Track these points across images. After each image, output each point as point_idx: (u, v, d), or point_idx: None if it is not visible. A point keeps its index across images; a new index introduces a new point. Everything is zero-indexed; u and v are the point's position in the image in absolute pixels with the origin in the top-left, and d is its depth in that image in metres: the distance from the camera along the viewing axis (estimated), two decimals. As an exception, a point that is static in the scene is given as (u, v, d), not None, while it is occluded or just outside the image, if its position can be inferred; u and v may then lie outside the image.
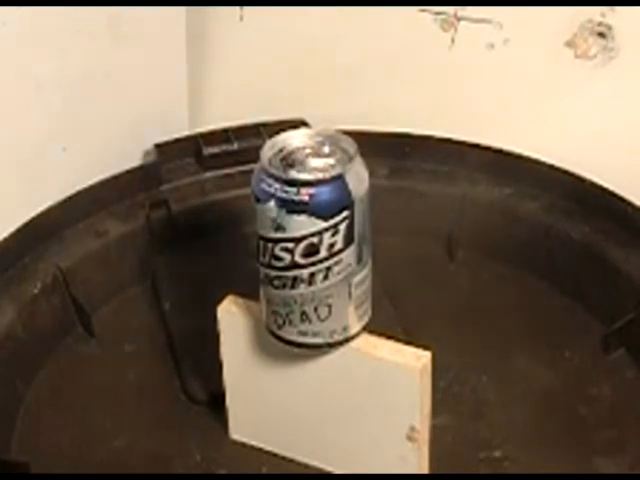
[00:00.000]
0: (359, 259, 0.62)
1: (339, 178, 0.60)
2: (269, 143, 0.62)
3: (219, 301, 0.68)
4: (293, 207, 0.60)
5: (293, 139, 0.62)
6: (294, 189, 0.59)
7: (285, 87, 0.94)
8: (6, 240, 0.81)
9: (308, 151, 0.62)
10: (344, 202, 0.60)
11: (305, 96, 0.93)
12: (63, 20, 0.83)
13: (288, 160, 0.61)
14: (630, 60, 0.89)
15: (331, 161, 0.61)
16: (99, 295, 0.83)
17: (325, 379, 0.67)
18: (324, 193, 0.59)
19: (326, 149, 0.62)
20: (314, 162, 0.61)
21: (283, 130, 0.63)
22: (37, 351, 0.78)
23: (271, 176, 0.60)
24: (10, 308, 0.78)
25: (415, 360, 0.64)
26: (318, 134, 0.63)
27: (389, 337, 0.65)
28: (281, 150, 0.62)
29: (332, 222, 0.60)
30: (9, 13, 0.79)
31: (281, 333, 0.64)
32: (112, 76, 0.88)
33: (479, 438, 0.72)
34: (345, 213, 0.60)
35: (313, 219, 0.60)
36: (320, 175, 0.60)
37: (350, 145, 0.62)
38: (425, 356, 0.64)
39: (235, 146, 0.89)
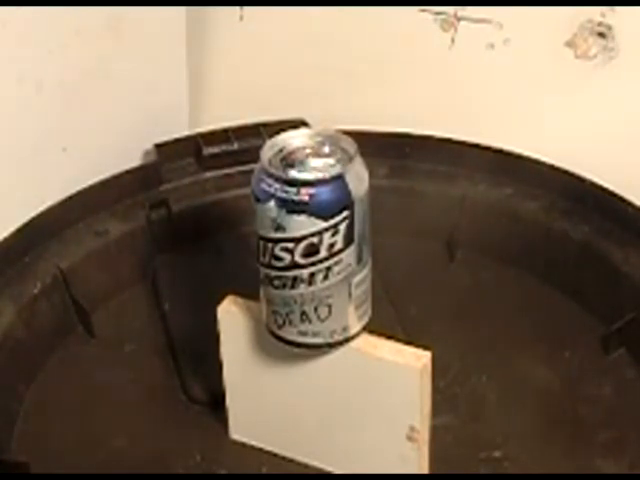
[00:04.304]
0: (359, 259, 0.62)
1: (339, 178, 0.60)
2: (269, 143, 0.62)
3: (219, 301, 0.68)
4: (293, 207, 0.60)
5: (293, 139, 0.62)
6: (294, 189, 0.59)
7: (285, 87, 0.94)
8: (6, 240, 0.81)
9: (308, 151, 0.62)
10: (344, 202, 0.60)
11: (305, 96, 0.93)
12: (63, 20, 0.83)
13: (288, 160, 0.61)
14: (630, 60, 0.89)
15: (331, 161, 0.61)
16: (99, 295, 0.83)
17: (325, 379, 0.67)
18: (324, 193, 0.59)
19: (326, 149, 0.62)
20: (314, 162, 0.61)
21: (283, 130, 0.63)
22: (37, 351, 0.78)
23: (271, 176, 0.60)
24: (10, 308, 0.78)
25: (415, 360, 0.64)
26: (318, 134, 0.63)
27: (389, 337, 0.65)
28: (281, 150, 0.62)
29: (332, 222, 0.60)
30: (9, 13, 0.79)
31: (281, 333, 0.64)
32: (112, 76, 0.88)
33: (479, 438, 0.72)
34: (345, 213, 0.60)
35: (313, 219, 0.60)
36: (320, 175, 0.60)
37: (350, 145, 0.62)
38: (425, 356, 0.64)
39: (235, 146, 0.89)
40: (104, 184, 0.87)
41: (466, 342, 0.78)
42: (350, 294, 0.63)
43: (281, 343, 0.65)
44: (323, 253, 0.61)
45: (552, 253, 0.84)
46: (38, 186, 0.85)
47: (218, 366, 0.70)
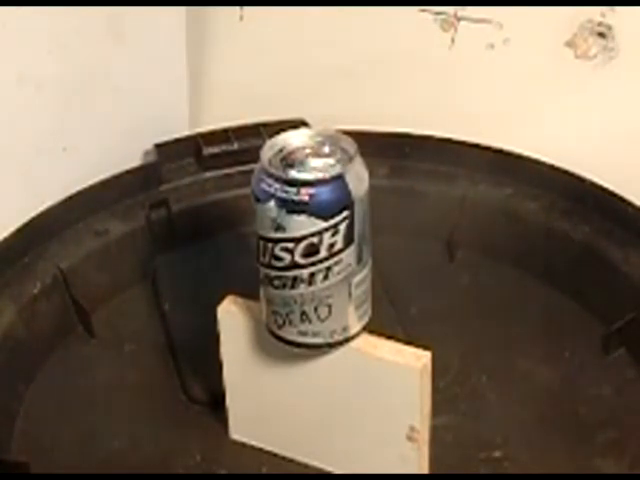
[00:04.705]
0: (359, 259, 0.62)
1: (339, 178, 0.60)
2: (269, 143, 0.62)
3: (219, 301, 0.68)
4: (293, 207, 0.60)
5: (293, 139, 0.62)
6: (294, 189, 0.59)
7: (285, 87, 0.94)
8: (6, 240, 0.81)
9: (308, 151, 0.62)
10: (344, 202, 0.60)
11: (305, 96, 0.93)
12: (63, 20, 0.83)
13: (288, 160, 0.61)
14: (630, 60, 0.89)
15: (331, 161, 0.61)
16: (99, 295, 0.83)
17: (325, 379, 0.67)
18: (324, 193, 0.59)
19: (326, 149, 0.62)
20: (314, 162, 0.61)
21: (283, 130, 0.63)
22: (37, 351, 0.78)
23: (271, 176, 0.60)
24: (10, 308, 0.78)
25: (415, 360, 0.64)
26: (318, 134, 0.63)
27: (389, 337, 0.65)
28: (281, 150, 0.62)
29: (332, 222, 0.60)
30: (9, 13, 0.79)
31: (281, 333, 0.64)
32: (112, 76, 0.88)
33: (479, 438, 0.72)
34: (345, 213, 0.60)
35: (313, 219, 0.60)
36: (320, 175, 0.60)
37: (350, 145, 0.62)
38: (425, 356, 0.64)
39: (235, 146, 0.89)
40: (104, 184, 0.87)
41: (466, 342, 0.78)
42: (350, 294, 0.63)
43: (281, 343, 0.65)
44: (323, 253, 0.61)
45: (552, 253, 0.84)
46: (38, 186, 0.85)
47: (218, 366, 0.70)
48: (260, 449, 0.72)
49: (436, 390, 0.66)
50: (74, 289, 0.81)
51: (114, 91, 0.89)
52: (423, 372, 0.63)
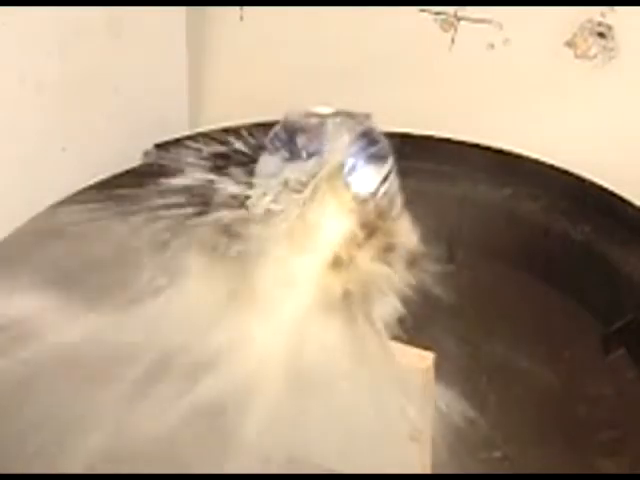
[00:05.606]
0: None
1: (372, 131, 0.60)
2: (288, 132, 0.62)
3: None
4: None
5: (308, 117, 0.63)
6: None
7: (285, 87, 0.94)
8: (6, 240, 0.81)
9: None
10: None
11: (305, 96, 0.93)
12: (63, 20, 0.83)
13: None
14: (630, 60, 0.89)
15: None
16: (99, 295, 0.83)
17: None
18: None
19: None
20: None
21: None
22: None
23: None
24: (10, 308, 0.78)
25: (419, 361, 0.63)
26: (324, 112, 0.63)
27: (390, 337, 0.65)
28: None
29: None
30: (9, 13, 0.79)
31: None
32: (112, 76, 0.89)
33: (479, 438, 0.72)
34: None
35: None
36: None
37: (362, 115, 0.62)
38: (428, 357, 0.64)
39: (235, 146, 0.89)
40: (104, 184, 0.87)
41: (466, 342, 0.78)
42: None
43: None
44: None
45: (552, 253, 0.84)
46: (38, 186, 0.85)
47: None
48: (261, 449, 0.72)
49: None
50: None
51: (114, 91, 0.89)
52: (427, 373, 0.63)
